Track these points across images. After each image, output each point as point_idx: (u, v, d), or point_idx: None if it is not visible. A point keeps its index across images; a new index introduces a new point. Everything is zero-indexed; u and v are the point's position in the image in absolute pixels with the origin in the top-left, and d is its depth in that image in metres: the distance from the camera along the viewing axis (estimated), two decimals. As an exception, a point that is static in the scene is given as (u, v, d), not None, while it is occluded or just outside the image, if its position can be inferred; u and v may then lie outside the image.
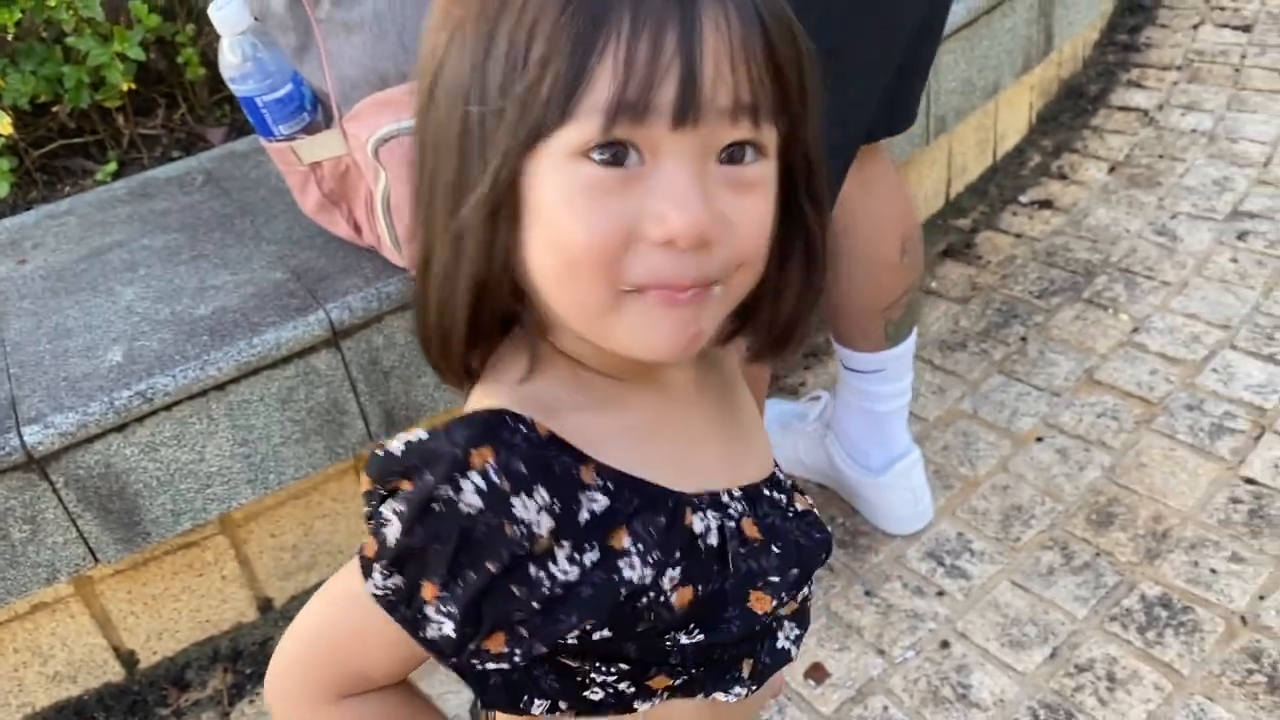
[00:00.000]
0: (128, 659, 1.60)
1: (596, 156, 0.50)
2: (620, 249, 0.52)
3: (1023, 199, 2.51)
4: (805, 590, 0.69)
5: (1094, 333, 2.07)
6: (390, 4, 1.24)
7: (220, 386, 1.38)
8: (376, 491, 0.56)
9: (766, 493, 0.67)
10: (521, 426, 0.55)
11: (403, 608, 0.56)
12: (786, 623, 0.69)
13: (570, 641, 0.57)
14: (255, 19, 1.33)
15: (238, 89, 1.34)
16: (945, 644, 1.54)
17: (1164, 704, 1.41)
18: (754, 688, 0.66)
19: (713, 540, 0.61)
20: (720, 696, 0.65)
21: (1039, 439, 1.86)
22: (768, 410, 1.72)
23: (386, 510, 0.55)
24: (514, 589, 0.55)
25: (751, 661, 0.66)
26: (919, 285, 1.58)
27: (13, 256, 1.67)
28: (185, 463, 1.40)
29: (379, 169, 1.30)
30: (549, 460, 0.55)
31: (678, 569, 0.59)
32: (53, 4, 1.73)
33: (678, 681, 0.63)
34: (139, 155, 2.01)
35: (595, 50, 0.49)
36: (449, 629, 0.55)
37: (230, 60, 1.32)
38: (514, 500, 0.53)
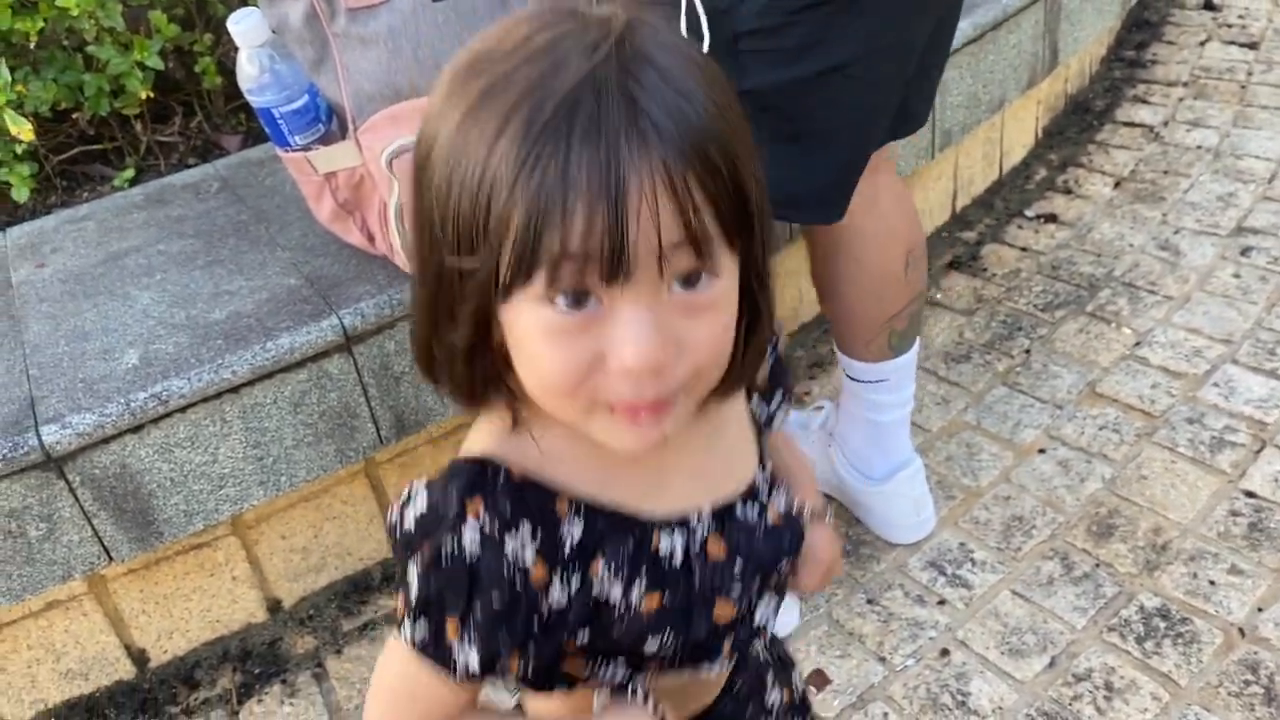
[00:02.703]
0: (139, 657, 1.63)
1: (560, 303, 0.57)
2: (585, 379, 0.59)
3: (1028, 213, 2.53)
4: (783, 564, 0.76)
5: (1097, 346, 2.09)
6: (405, 20, 1.27)
7: (234, 390, 1.41)
8: (403, 558, 0.65)
9: (739, 509, 0.74)
10: (499, 476, 0.65)
11: (433, 650, 0.65)
12: (766, 595, 0.75)
13: (567, 649, 0.68)
14: (273, 32, 1.36)
15: (255, 100, 1.37)
16: (945, 652, 1.56)
17: (1161, 714, 1.43)
18: (731, 661, 0.74)
19: (677, 560, 0.69)
20: (704, 669, 0.73)
21: (1041, 450, 1.88)
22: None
23: (410, 572, 0.64)
24: (521, 619, 0.64)
25: (730, 640, 0.73)
26: (923, 297, 1.60)
27: (32, 260, 1.70)
28: (198, 464, 1.43)
29: (392, 180, 1.32)
30: (527, 500, 0.65)
31: (644, 581, 0.68)
32: (74, 14, 1.76)
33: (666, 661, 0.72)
34: (156, 162, 2.04)
35: (541, 222, 0.55)
36: (474, 660, 0.64)
37: (248, 72, 1.35)
38: (506, 539, 0.63)
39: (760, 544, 0.74)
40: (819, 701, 1.52)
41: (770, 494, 0.78)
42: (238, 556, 1.63)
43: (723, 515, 0.73)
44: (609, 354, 0.58)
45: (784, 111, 1.26)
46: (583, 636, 0.67)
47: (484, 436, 0.69)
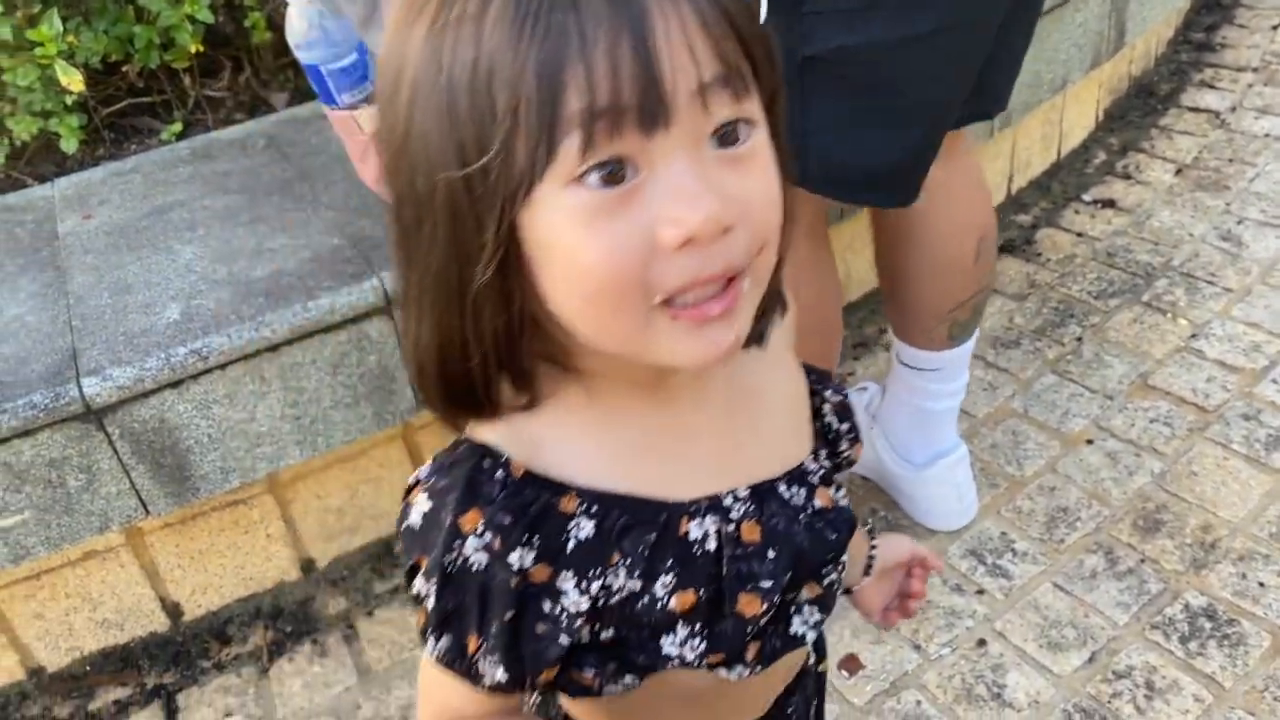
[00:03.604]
0: (173, 610, 1.64)
1: (592, 180, 0.50)
2: (641, 266, 0.52)
3: (1086, 197, 2.47)
4: (832, 575, 0.69)
5: (1151, 336, 2.04)
6: (457, -24, 1.24)
7: (274, 348, 1.41)
8: (413, 566, 0.61)
9: (783, 489, 0.67)
10: (499, 472, 0.59)
11: (459, 664, 0.61)
12: (806, 606, 0.69)
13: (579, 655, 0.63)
14: (323, -14, 1.34)
15: (303, 56, 1.35)
16: (982, 642, 1.53)
17: (1203, 716, 1.39)
18: (758, 669, 0.67)
19: (710, 545, 0.63)
20: (722, 673, 0.66)
21: (1089, 441, 1.84)
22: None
23: (419, 585, 0.60)
24: (537, 627, 0.60)
25: (759, 644, 0.66)
26: (989, 288, 1.55)
27: (79, 211, 1.71)
28: (236, 421, 1.43)
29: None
30: (527, 503, 0.59)
31: (671, 575, 0.62)
32: (127, -36, 1.76)
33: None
34: (203, 117, 2.04)
35: (558, 79, 0.48)
36: (500, 674, 0.60)
37: (297, 28, 1.33)
38: (508, 549, 0.58)
39: (800, 530, 0.66)
40: (850, 686, 1.49)
41: (821, 481, 0.70)
42: (273, 515, 1.63)
43: (762, 494, 0.66)
44: (660, 225, 0.51)
45: (855, 80, 1.18)
46: (606, 635, 0.62)
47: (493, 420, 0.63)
